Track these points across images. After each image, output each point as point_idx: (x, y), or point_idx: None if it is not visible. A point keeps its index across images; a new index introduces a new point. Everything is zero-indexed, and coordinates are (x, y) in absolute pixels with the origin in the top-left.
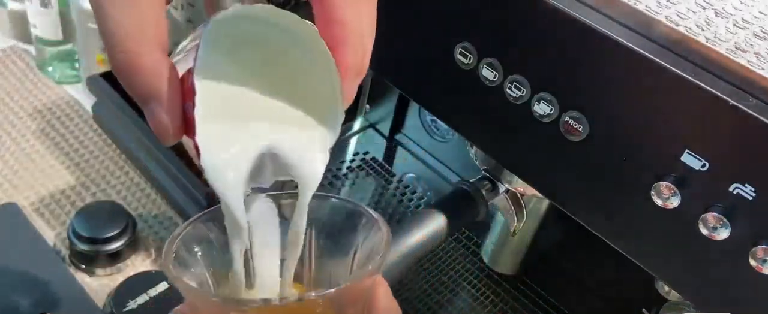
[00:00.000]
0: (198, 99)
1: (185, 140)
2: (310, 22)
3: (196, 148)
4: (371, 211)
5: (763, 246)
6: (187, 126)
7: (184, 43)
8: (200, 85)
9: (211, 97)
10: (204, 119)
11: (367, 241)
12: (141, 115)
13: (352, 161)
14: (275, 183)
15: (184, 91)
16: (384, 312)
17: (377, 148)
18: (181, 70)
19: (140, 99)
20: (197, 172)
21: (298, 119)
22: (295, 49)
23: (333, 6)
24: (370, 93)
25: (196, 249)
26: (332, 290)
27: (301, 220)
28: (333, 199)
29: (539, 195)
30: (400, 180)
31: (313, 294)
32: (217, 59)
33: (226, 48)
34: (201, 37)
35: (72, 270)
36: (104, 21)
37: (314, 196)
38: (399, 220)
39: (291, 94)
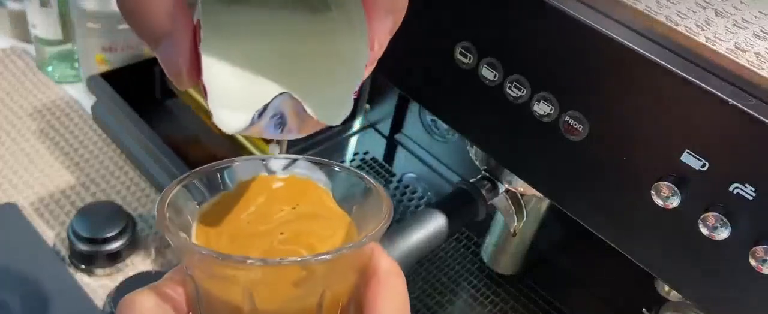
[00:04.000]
0: (203, 35)
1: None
2: None
3: (204, 89)
4: (373, 181)
5: (764, 246)
6: (199, 71)
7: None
8: (206, 19)
9: (220, 40)
10: (212, 61)
11: (365, 205)
12: (141, 114)
13: (352, 161)
14: None
15: (197, 34)
16: (385, 274)
17: (377, 147)
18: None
19: (150, 39)
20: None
21: (317, 62)
22: None
23: None
24: (370, 93)
25: (185, 209)
26: (329, 255)
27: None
28: (335, 168)
29: (539, 195)
30: (400, 180)
31: (312, 257)
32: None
33: None
34: None
35: (72, 270)
36: None
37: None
38: (399, 220)
39: (309, 34)
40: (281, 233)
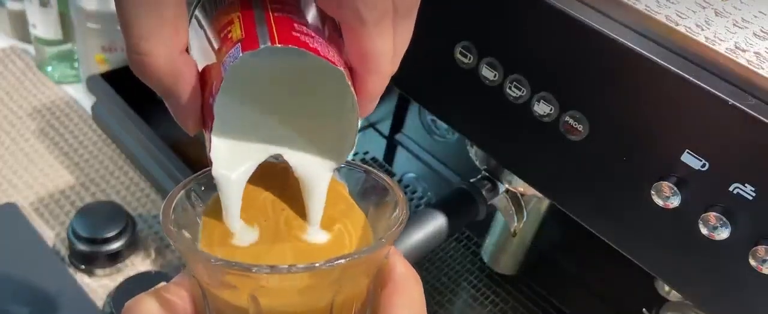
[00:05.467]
0: (215, 124)
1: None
2: (337, 67)
3: (210, 159)
4: (388, 180)
5: (764, 246)
6: (204, 122)
7: (194, 12)
8: (218, 112)
9: (227, 119)
10: (218, 136)
11: (379, 208)
12: (141, 114)
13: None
14: None
15: (205, 99)
16: (402, 279)
17: (377, 147)
18: (196, 55)
19: (159, 94)
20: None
21: (309, 139)
22: (317, 80)
23: (364, 37)
24: None
25: (191, 213)
26: (343, 260)
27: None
28: (348, 169)
29: (539, 195)
30: (400, 180)
31: (324, 262)
32: (237, 89)
33: (246, 81)
34: (226, 70)
35: (71, 270)
36: (123, 20)
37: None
38: None
39: (305, 115)
40: (287, 224)
